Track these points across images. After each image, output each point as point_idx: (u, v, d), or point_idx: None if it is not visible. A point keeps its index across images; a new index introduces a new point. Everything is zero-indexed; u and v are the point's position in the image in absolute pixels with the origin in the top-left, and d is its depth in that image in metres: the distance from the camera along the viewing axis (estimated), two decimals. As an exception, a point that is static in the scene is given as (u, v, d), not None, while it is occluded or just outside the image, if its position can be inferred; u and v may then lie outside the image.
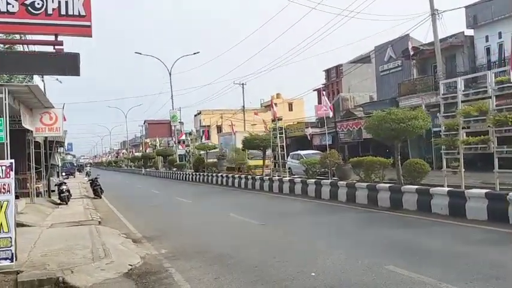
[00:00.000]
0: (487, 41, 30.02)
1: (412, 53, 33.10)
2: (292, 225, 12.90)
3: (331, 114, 22.55)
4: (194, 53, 48.95)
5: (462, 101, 12.66)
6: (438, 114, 18.35)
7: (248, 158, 32.55)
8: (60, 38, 9.02)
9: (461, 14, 31.13)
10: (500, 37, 28.89)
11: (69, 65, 9.11)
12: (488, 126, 11.84)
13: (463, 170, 12.59)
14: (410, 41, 33.26)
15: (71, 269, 8.14)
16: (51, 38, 9.00)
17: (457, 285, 6.43)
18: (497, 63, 28.74)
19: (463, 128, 12.50)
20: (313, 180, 19.41)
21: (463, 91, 12.69)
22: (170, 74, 50.05)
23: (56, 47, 8.99)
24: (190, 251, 9.93)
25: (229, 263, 8.58)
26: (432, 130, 21.13)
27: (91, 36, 9.22)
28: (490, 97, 11.79)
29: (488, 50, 30.11)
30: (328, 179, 18.97)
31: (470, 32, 31.36)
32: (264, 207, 17.89)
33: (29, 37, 11.97)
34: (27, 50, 16.46)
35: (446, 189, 12.32)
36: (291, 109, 69.94)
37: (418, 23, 36.98)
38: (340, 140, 39.14)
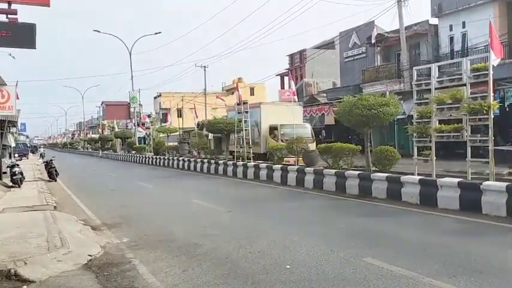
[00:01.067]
0: (450, 30, 30.20)
1: (376, 40, 33.06)
2: (260, 212, 12.47)
3: (295, 99, 22.12)
4: (156, 33, 47.65)
5: (435, 88, 12.44)
6: (402, 101, 18.30)
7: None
8: (14, 6, 8.21)
9: (427, 2, 31.22)
10: (464, 26, 29.10)
11: (24, 36, 8.30)
12: (463, 114, 11.67)
13: (435, 158, 12.41)
14: (375, 27, 33.20)
15: (24, 260, 7.44)
16: (4, 6, 8.18)
17: (441, 280, 6.13)
18: (460, 52, 28.99)
19: (436, 115, 12.30)
20: (279, 166, 19.03)
21: (437, 78, 12.47)
22: (130, 54, 48.61)
23: (9, 16, 8.17)
24: (154, 239, 9.34)
25: (196, 253, 8.06)
26: (395, 118, 21.06)
27: (49, 5, 8.43)
28: (465, 84, 11.62)
29: (451, 39, 30.32)
30: (295, 165, 18.61)
31: (434, 21, 31.49)
32: (229, 193, 17.39)
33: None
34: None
35: (418, 177, 12.13)
36: (252, 94, 69.36)
37: (384, 10, 36.94)
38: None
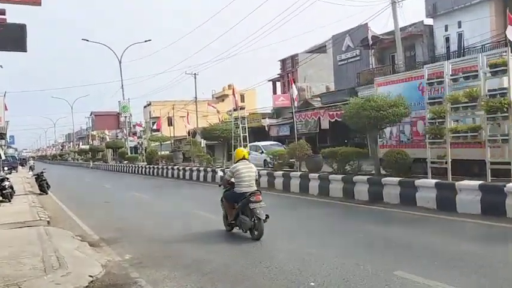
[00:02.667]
0: (446, 30, 29.89)
1: (371, 42, 32.63)
2: (268, 222, 11.70)
3: (295, 105, 21.55)
4: (145, 41, 47.03)
5: (449, 86, 11.85)
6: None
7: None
8: (1, 5, 7.50)
9: (421, 3, 30.89)
10: (459, 26, 28.80)
11: (14, 38, 7.58)
12: (480, 112, 11.08)
13: (450, 160, 11.81)
14: (369, 30, 32.77)
15: (18, 284, 6.70)
16: (-10, 5, 7.48)
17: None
18: (456, 52, 28.62)
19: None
20: (281, 172, 18.36)
21: (451, 76, 11.88)
22: (120, 63, 47.83)
23: (-3, 16, 7.46)
24: (159, 255, 8.61)
25: (208, 270, 7.35)
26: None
27: (40, 4, 7.71)
28: (481, 82, 11.04)
29: (447, 39, 29.99)
30: (297, 171, 17.94)
31: (429, 21, 31.16)
32: (230, 202, 16.63)
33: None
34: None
35: (434, 181, 11.51)
36: (243, 100, 68.75)
37: (378, 11, 36.60)
38: (298, 131, 38.39)
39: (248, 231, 9.50)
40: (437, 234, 9.20)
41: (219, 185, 11.50)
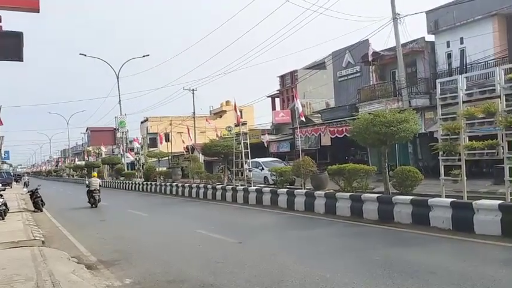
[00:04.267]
0: (448, 46, 29.57)
1: (371, 58, 32.32)
2: (275, 243, 11.19)
3: (303, 120, 21.11)
4: (143, 56, 46.66)
5: (464, 102, 11.38)
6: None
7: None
8: (-2, 12, 7.05)
9: (423, 19, 30.64)
10: (462, 42, 28.49)
11: (10, 46, 7.09)
12: (497, 128, 10.61)
13: (465, 178, 11.29)
14: (370, 46, 32.49)
15: (9, 313, 6.12)
16: (-15, 11, 7.01)
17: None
18: (458, 68, 28.30)
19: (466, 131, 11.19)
20: (285, 190, 17.77)
21: (466, 90, 11.44)
22: (118, 78, 47.37)
23: (-8, 23, 6.98)
24: (162, 280, 8.04)
25: (216, 298, 6.79)
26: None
27: (38, 11, 7.24)
28: (499, 96, 10.58)
29: (449, 56, 29.68)
30: (302, 189, 17.38)
31: (431, 38, 30.89)
32: (233, 221, 16.05)
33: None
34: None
35: (449, 200, 10.97)
36: (241, 116, 68.16)
37: (379, 28, 36.37)
38: (297, 147, 37.94)
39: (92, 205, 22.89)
40: (457, 257, 8.64)
41: (86, 186, 25.10)
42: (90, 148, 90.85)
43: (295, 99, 20.13)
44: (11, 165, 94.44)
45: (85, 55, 46.44)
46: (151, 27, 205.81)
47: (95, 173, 29.69)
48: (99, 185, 24.01)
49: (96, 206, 22.96)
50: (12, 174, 68.97)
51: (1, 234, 13.71)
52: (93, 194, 23.21)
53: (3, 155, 41.79)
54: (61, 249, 11.51)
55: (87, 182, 25.74)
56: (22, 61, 7.17)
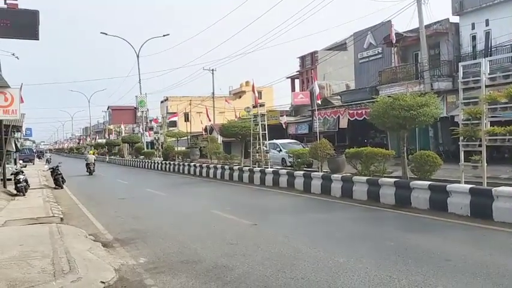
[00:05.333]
0: (473, 28, 28.85)
1: (394, 39, 31.71)
2: (290, 225, 11.18)
3: (319, 103, 20.88)
4: (164, 35, 46.62)
5: (487, 86, 11.11)
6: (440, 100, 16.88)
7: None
8: None
9: (447, 0, 29.90)
10: (487, 24, 27.76)
11: (25, 25, 7.08)
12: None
13: (486, 164, 11.08)
14: (392, 27, 31.87)
15: (25, 290, 6.23)
16: (2, -11, 7.00)
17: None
18: (483, 51, 27.64)
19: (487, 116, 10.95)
20: (302, 172, 17.71)
21: (489, 74, 11.15)
22: (138, 57, 47.51)
23: (8, 1, 6.97)
24: (176, 260, 8.08)
25: (228, 279, 6.81)
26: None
27: (38, 39, 7.17)
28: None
29: (474, 38, 28.98)
30: (318, 172, 17.30)
31: (455, 19, 30.16)
32: (250, 202, 16.09)
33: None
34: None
35: (468, 186, 10.78)
36: (260, 97, 67.83)
37: (402, 8, 35.69)
38: (315, 130, 37.71)
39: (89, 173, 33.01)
40: (474, 244, 8.51)
41: (85, 160, 35.33)
42: (111, 126, 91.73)
43: (313, 81, 19.88)
44: (33, 142, 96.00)
45: (106, 34, 46.53)
46: (172, 6, 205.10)
47: (91, 151, 46.88)
48: (94, 160, 35.22)
49: (91, 174, 33.01)
50: (34, 151, 70.19)
51: (21, 211, 13.99)
52: (89, 166, 33.86)
53: (25, 132, 42.40)
54: (79, 227, 11.69)
55: (85, 158, 37.45)
56: (38, 39, 7.16)
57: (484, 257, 7.48)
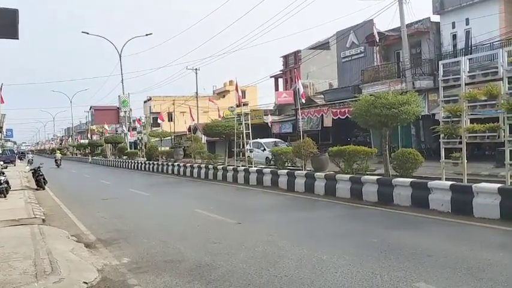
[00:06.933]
0: (453, 27, 29.22)
1: (377, 38, 31.94)
2: (274, 223, 11.23)
3: (303, 102, 20.92)
4: (146, 35, 46.37)
5: (466, 84, 11.26)
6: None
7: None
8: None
9: (428, -1, 30.23)
10: (467, 23, 28.14)
11: (4, 24, 6.99)
12: (499, 111, 10.51)
13: (466, 161, 11.24)
14: (374, 26, 32.11)
15: (5, 292, 6.16)
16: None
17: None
18: (463, 50, 27.99)
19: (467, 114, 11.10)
20: (286, 171, 17.78)
21: (469, 72, 11.31)
22: (120, 57, 47.21)
23: (-14, -1, 6.87)
24: (159, 259, 8.06)
25: (212, 278, 6.81)
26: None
27: (18, 38, 7.08)
28: (502, 79, 10.46)
29: (454, 37, 29.35)
30: (302, 170, 17.37)
31: (436, 18, 30.52)
32: (233, 201, 16.12)
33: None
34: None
35: (449, 183, 10.94)
36: (244, 96, 67.72)
37: (384, 7, 35.94)
38: (299, 129, 37.79)
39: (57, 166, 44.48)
40: (455, 240, 8.63)
41: (54, 158, 49.88)
42: (93, 127, 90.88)
43: (297, 80, 19.97)
44: (15, 143, 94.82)
45: (87, 33, 46.14)
46: (154, 5, 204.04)
47: (58, 151, 58.49)
48: (60, 157, 48.60)
49: (58, 167, 44.82)
50: (15, 152, 69.27)
51: (2, 212, 13.78)
52: (57, 161, 46.90)
53: (5, 133, 41.82)
54: (61, 228, 11.59)
55: (54, 156, 51.25)
56: (17, 39, 7.08)
57: (464, 252, 7.59)
